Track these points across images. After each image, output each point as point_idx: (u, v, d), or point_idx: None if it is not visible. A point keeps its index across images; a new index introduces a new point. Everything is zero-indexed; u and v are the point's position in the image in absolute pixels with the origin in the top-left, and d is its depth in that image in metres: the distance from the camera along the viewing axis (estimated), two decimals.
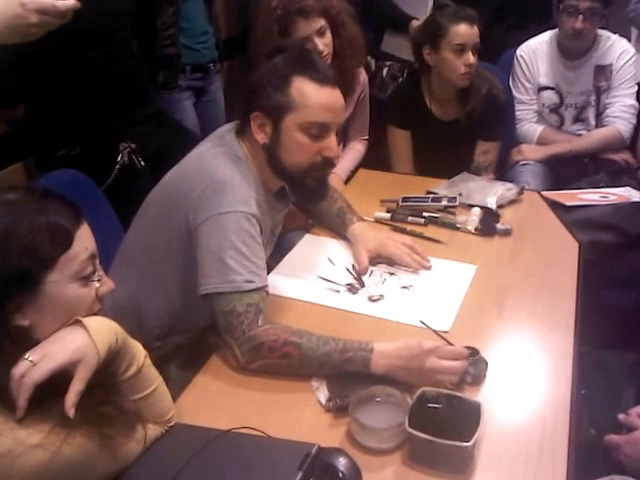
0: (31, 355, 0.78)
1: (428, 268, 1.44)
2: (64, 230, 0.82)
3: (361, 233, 1.49)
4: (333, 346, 1.08)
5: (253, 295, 1.12)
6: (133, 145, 1.69)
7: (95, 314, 0.86)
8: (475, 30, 1.90)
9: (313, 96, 1.18)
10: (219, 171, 1.19)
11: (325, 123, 1.19)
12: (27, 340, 0.80)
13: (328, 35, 1.81)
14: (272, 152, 1.22)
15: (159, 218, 1.25)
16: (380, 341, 1.10)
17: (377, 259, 1.46)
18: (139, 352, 0.89)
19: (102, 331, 0.83)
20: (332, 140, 1.21)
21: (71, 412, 0.77)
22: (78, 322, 0.82)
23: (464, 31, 1.89)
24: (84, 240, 0.84)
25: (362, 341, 1.09)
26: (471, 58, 1.90)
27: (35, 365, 0.77)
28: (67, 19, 1.05)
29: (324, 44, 1.79)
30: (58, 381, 0.78)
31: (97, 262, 0.87)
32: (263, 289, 1.14)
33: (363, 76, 2.03)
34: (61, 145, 1.64)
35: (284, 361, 1.09)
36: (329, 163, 1.24)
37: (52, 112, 1.63)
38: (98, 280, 0.86)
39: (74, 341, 0.80)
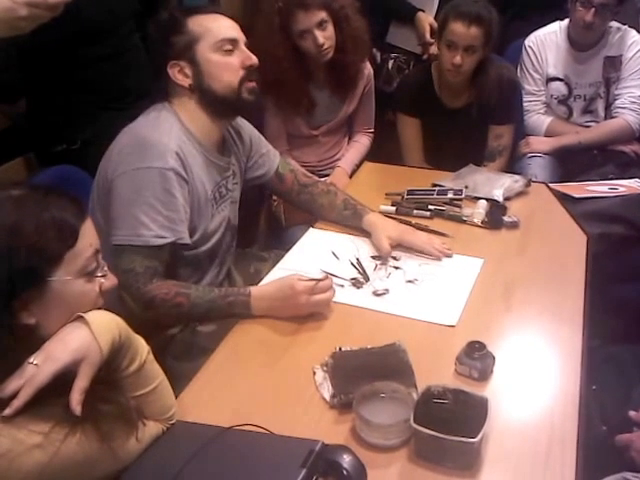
0: (36, 359, 0.77)
1: (450, 256, 1.44)
2: (70, 227, 0.81)
3: (381, 222, 1.50)
4: (217, 293, 1.22)
5: (160, 253, 1.22)
6: None
7: (98, 308, 0.86)
8: (472, 32, 1.82)
9: (209, 21, 1.29)
10: (141, 129, 1.28)
11: (232, 38, 1.29)
12: (33, 338, 0.79)
13: (330, 29, 1.79)
14: (201, 86, 1.29)
15: (95, 191, 1.33)
16: (385, 338, 1.10)
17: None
18: (142, 347, 0.89)
19: (105, 327, 0.82)
20: (245, 50, 1.31)
21: (77, 410, 0.76)
22: (80, 318, 0.81)
23: (457, 30, 1.83)
24: (89, 236, 0.84)
25: (241, 287, 1.27)
26: (457, 59, 1.85)
27: (38, 368, 0.76)
28: (58, 12, 1.04)
29: (325, 37, 1.77)
30: (62, 379, 0.77)
31: (100, 257, 0.87)
32: (176, 242, 1.24)
33: (368, 69, 2.01)
34: (62, 139, 1.63)
35: (175, 310, 1.20)
36: (253, 70, 1.31)
37: (54, 106, 1.63)
38: (102, 275, 0.86)
39: (76, 340, 0.79)
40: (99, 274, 0.85)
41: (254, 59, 1.31)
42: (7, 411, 0.75)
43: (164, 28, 1.30)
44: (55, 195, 0.83)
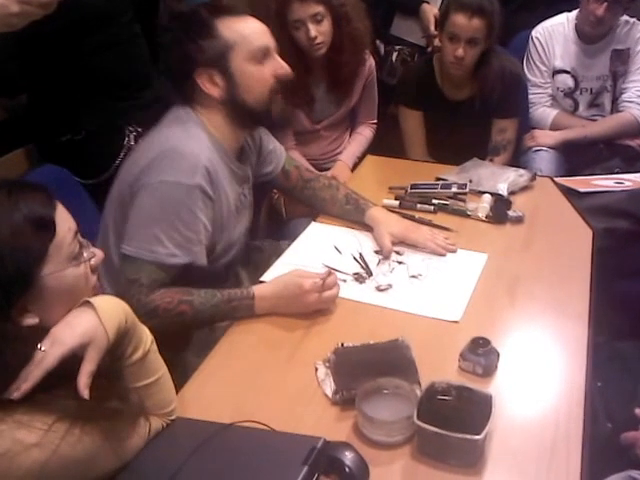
0: (43, 345, 0.77)
1: (454, 251, 1.42)
2: (45, 219, 0.79)
3: (383, 217, 1.48)
4: (219, 297, 1.18)
5: (169, 270, 1.17)
6: (140, 129, 1.67)
7: (100, 292, 0.85)
8: (474, 24, 1.81)
9: (243, 26, 1.22)
10: (171, 140, 1.22)
11: (266, 46, 1.24)
12: (40, 335, 0.78)
13: (326, 24, 1.77)
14: (233, 98, 1.23)
15: (117, 197, 1.27)
16: (388, 334, 1.09)
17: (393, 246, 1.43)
18: (146, 336, 0.88)
19: (111, 311, 0.82)
20: (277, 58, 1.26)
21: (85, 393, 0.76)
22: (87, 303, 0.81)
23: (459, 22, 1.82)
24: (65, 221, 0.82)
25: (244, 289, 1.21)
26: (459, 51, 1.84)
27: (46, 352, 0.76)
28: (50, 10, 1.03)
29: (319, 32, 1.76)
30: (69, 367, 0.76)
31: (80, 236, 0.85)
32: (189, 263, 1.19)
33: (369, 61, 1.99)
34: (66, 130, 1.62)
35: (178, 319, 1.16)
36: (284, 81, 1.27)
37: (56, 96, 1.62)
38: (90, 257, 0.85)
39: (82, 324, 0.79)
40: (85, 255, 0.84)
41: (286, 68, 1.25)
42: (16, 394, 0.74)
43: (191, 28, 1.21)
44: (18, 190, 0.79)
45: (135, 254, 1.17)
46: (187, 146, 1.19)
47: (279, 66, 1.25)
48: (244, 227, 1.40)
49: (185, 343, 1.24)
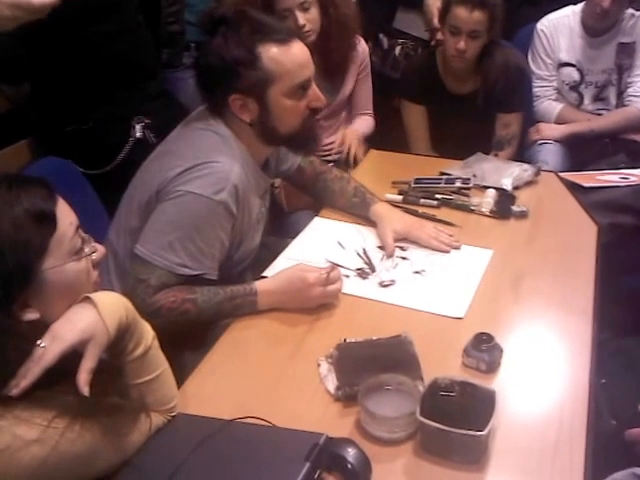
0: (43, 341, 0.76)
1: (458, 248, 1.41)
2: (46, 213, 0.78)
3: (387, 213, 1.47)
4: (223, 295, 1.18)
5: (178, 277, 1.17)
6: (146, 120, 1.66)
7: (106, 288, 0.85)
8: (475, 16, 1.82)
9: (287, 59, 1.18)
10: (204, 152, 1.20)
11: (307, 79, 1.22)
12: (41, 330, 0.78)
13: (314, 12, 1.76)
14: (264, 125, 1.23)
15: (141, 199, 1.24)
16: (391, 329, 1.09)
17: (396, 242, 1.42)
18: (147, 332, 0.88)
19: (112, 307, 0.81)
20: (315, 89, 1.24)
21: (85, 390, 0.75)
22: (87, 298, 0.80)
23: (460, 15, 1.83)
24: (66, 215, 0.82)
25: (246, 285, 1.21)
26: (461, 44, 1.84)
27: (45, 349, 0.75)
28: (43, 15, 1.03)
29: (307, 19, 1.75)
30: (69, 363, 0.76)
31: (82, 231, 0.84)
32: (198, 276, 1.18)
33: (362, 47, 1.97)
34: (72, 119, 1.62)
35: (182, 318, 1.16)
36: (316, 110, 1.28)
37: (62, 86, 1.61)
38: (92, 252, 0.84)
39: (83, 320, 0.78)
40: (87, 250, 0.83)
41: (322, 100, 1.25)
42: (14, 391, 0.74)
43: (230, 52, 1.16)
44: (19, 184, 0.79)
45: (148, 257, 1.16)
46: (219, 162, 1.18)
47: (315, 98, 1.24)
48: (260, 236, 1.40)
49: (199, 341, 1.22)
